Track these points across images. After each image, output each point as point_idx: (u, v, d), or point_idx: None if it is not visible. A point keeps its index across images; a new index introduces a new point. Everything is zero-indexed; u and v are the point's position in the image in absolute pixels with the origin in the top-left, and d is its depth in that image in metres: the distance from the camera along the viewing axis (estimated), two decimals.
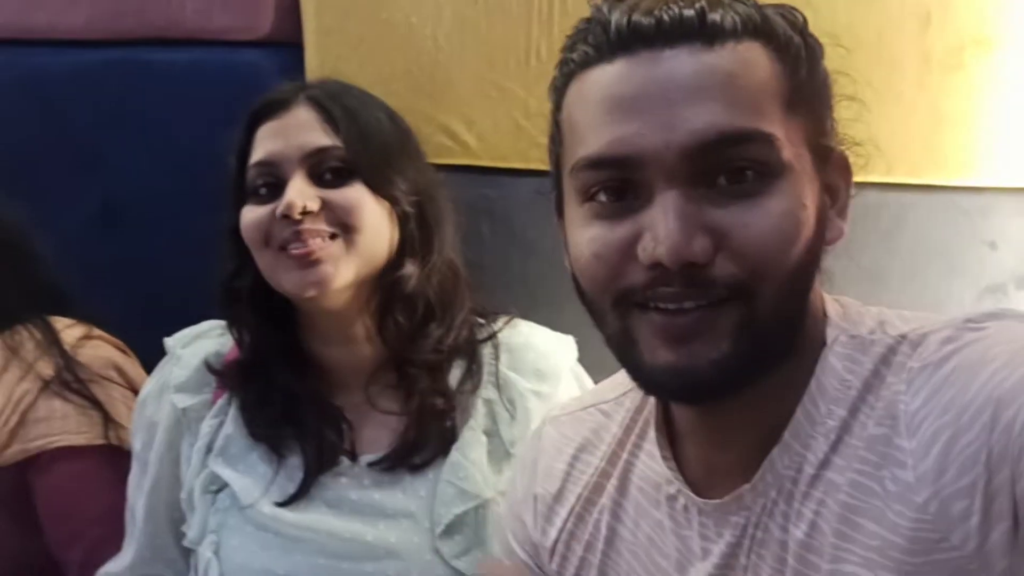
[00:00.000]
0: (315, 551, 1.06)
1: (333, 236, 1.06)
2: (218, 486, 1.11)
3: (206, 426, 1.13)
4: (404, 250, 1.11)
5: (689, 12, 0.70)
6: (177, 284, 1.80)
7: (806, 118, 0.73)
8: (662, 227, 0.68)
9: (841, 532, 0.72)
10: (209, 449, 1.13)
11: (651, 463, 0.85)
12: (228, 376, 1.15)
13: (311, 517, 1.08)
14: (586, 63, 0.73)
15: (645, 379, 0.75)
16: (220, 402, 1.15)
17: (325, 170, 1.07)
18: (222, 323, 1.20)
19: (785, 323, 0.73)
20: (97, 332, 1.37)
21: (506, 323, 1.20)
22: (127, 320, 1.59)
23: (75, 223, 1.80)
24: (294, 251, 1.05)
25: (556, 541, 0.91)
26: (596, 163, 0.72)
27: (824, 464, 0.73)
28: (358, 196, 1.07)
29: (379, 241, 1.09)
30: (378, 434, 1.13)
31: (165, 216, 1.76)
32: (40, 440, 1.26)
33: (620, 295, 0.73)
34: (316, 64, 1.64)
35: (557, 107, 0.78)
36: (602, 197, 0.73)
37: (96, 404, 1.28)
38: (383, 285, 1.11)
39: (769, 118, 0.70)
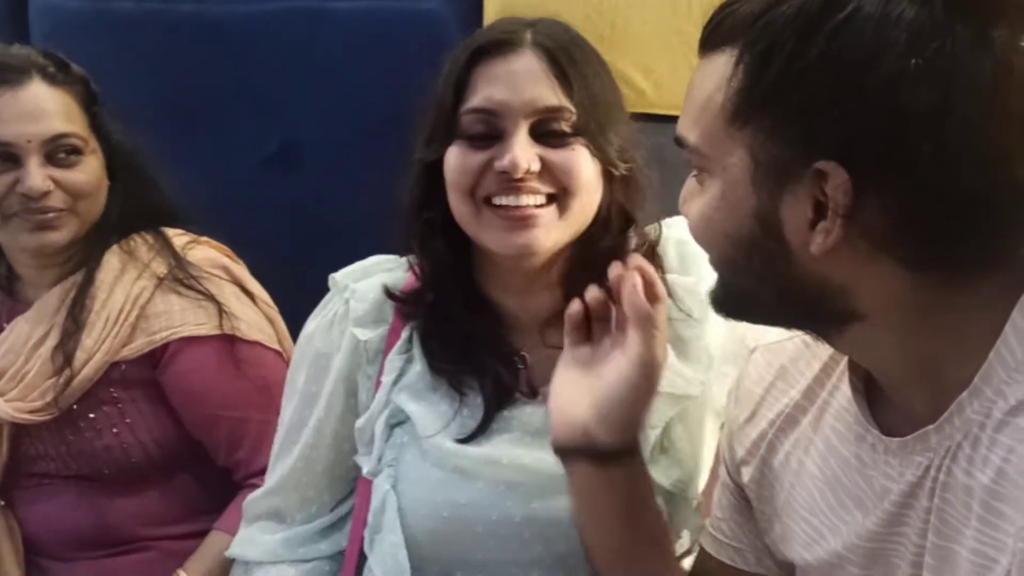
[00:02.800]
0: (499, 482, 1.05)
1: (549, 198, 1.02)
2: (398, 420, 1.10)
3: (395, 360, 1.11)
4: (610, 214, 1.07)
5: (717, 20, 0.75)
6: (350, 225, 1.86)
7: (763, 133, 0.72)
8: None
9: None
10: (395, 383, 1.11)
11: (845, 403, 0.85)
12: (410, 308, 1.13)
13: (493, 450, 1.06)
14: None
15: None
16: (403, 336, 1.12)
17: (550, 130, 1.02)
18: (389, 258, 1.19)
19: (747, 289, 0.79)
20: (204, 239, 1.47)
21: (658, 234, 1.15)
22: (300, 258, 1.64)
23: (253, 165, 1.85)
24: (506, 209, 1.01)
25: (745, 463, 0.93)
26: None
27: (1015, 411, 0.70)
28: (580, 159, 1.02)
29: (591, 205, 1.05)
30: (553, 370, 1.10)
31: (340, 160, 1.79)
32: (163, 332, 1.35)
33: None
34: (495, 11, 1.65)
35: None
36: None
37: (209, 297, 1.37)
38: (581, 244, 1.07)
39: (701, 126, 0.75)
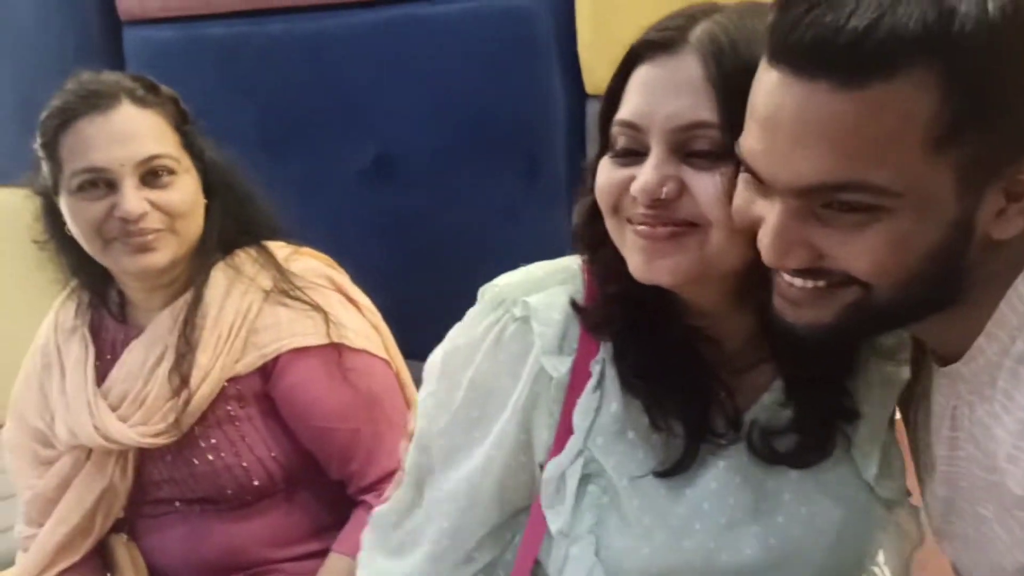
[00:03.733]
0: (708, 533, 0.96)
1: (688, 225, 0.89)
2: (590, 472, 0.97)
3: (590, 400, 0.97)
4: None
5: (842, 38, 0.67)
6: (449, 237, 1.84)
7: (973, 145, 0.69)
8: (767, 233, 0.76)
9: None
10: (590, 429, 0.97)
11: None
12: (602, 321, 0.98)
13: (698, 495, 0.96)
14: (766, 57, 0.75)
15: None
16: (596, 370, 0.98)
17: (693, 149, 0.87)
18: (557, 266, 1.03)
19: (904, 309, 0.78)
20: (306, 249, 1.46)
21: None
22: (398, 272, 1.62)
23: (349, 178, 1.85)
24: (640, 231, 0.90)
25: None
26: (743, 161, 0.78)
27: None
28: (721, 188, 0.86)
29: (737, 244, 0.88)
30: (748, 395, 0.99)
31: (438, 169, 1.78)
32: (273, 344, 1.35)
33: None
34: (588, 8, 1.61)
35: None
36: (747, 176, 0.80)
37: (316, 307, 1.36)
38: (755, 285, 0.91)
39: (889, 164, 0.69)
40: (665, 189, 0.86)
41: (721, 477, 0.96)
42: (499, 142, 1.74)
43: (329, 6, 1.87)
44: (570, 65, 1.66)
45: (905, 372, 0.98)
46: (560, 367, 0.96)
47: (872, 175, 0.69)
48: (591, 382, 0.97)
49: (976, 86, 0.67)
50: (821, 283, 0.77)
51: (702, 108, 0.85)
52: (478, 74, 1.72)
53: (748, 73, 0.81)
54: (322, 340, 1.35)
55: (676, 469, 0.95)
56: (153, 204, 1.28)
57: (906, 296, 0.75)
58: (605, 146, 0.93)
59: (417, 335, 1.51)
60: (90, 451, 1.35)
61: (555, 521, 0.97)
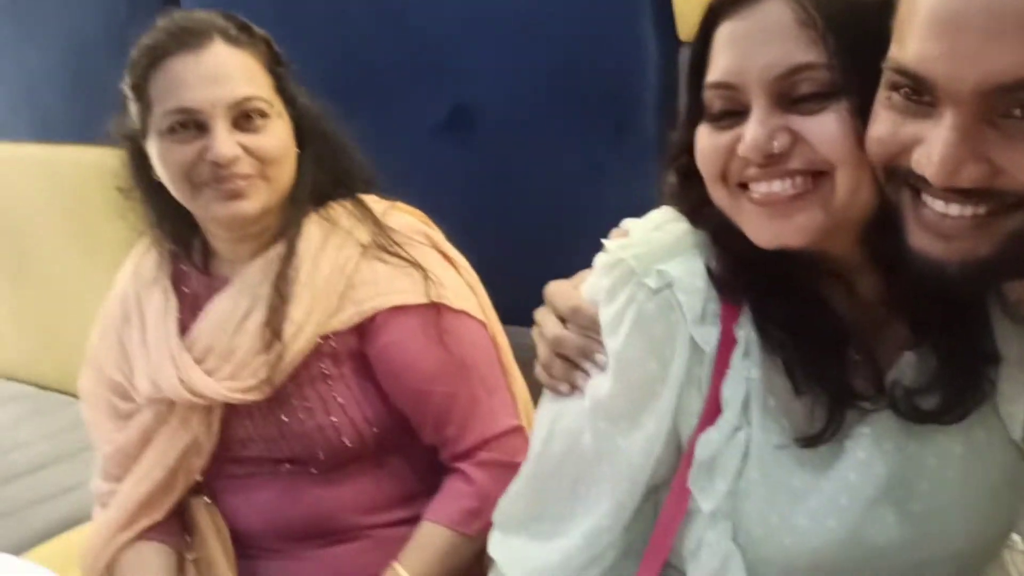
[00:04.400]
0: (858, 508, 0.90)
1: (807, 176, 0.84)
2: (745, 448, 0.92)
3: (741, 368, 0.92)
4: None
5: None
6: (531, 196, 1.77)
7: None
8: (936, 149, 0.71)
9: None
10: (745, 400, 0.92)
11: None
12: (742, 281, 0.93)
13: (849, 464, 0.91)
14: None
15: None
16: (741, 336, 0.92)
17: (799, 95, 0.83)
18: (681, 225, 0.96)
19: None
20: (400, 204, 1.41)
21: None
22: (476, 231, 1.56)
23: (423, 131, 1.78)
24: (760, 194, 0.86)
25: None
26: (903, 73, 0.73)
27: None
28: (837, 127, 0.83)
29: (866, 174, 0.84)
30: (887, 357, 0.93)
31: (519, 123, 1.69)
32: (371, 301, 1.29)
33: (891, 171, 0.77)
34: None
35: None
36: (897, 96, 0.75)
37: (415, 264, 1.31)
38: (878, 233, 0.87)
39: None
40: (776, 142, 0.83)
41: (868, 446, 0.91)
42: (585, 94, 1.65)
43: None
44: (662, 8, 1.57)
45: None
46: (710, 339, 0.91)
47: None
48: (738, 349, 0.91)
49: None
50: (982, 209, 0.72)
51: (799, 51, 0.82)
52: (561, 20, 1.63)
53: (834, 6, 0.81)
54: (421, 299, 1.29)
55: (821, 438, 0.89)
56: (245, 148, 1.23)
57: None
58: (698, 113, 0.89)
59: (499, 299, 1.47)
60: (173, 405, 1.30)
61: (708, 500, 0.91)
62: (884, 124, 0.77)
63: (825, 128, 0.82)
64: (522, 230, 1.79)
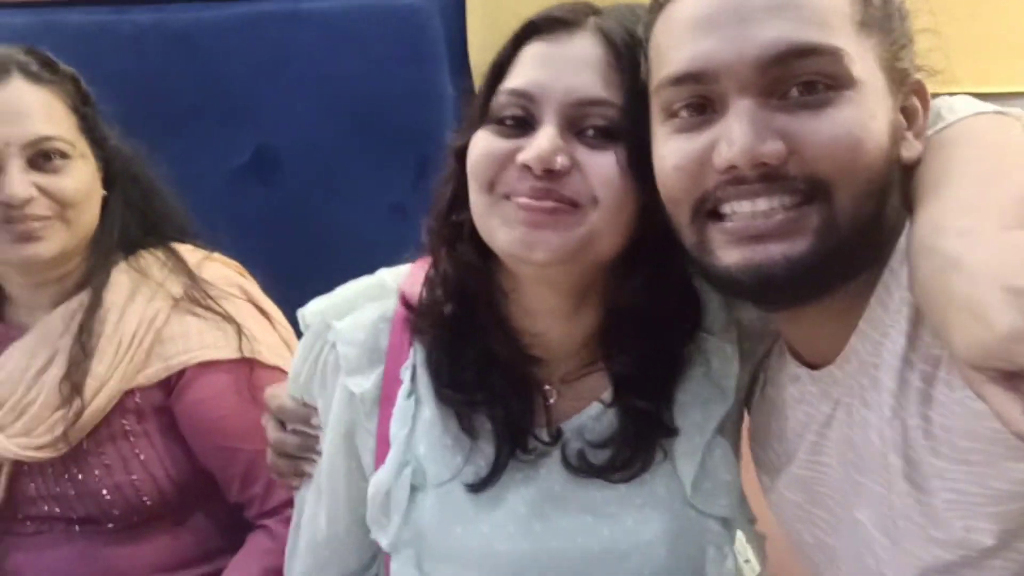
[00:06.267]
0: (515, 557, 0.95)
1: (572, 203, 0.88)
2: (417, 482, 0.96)
3: (405, 407, 0.96)
4: (653, 228, 0.90)
5: None
6: (336, 237, 1.79)
7: (879, 40, 0.78)
8: (736, 131, 0.75)
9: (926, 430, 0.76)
10: (410, 435, 0.96)
11: (782, 348, 0.94)
12: (426, 321, 0.98)
13: (504, 521, 0.95)
14: None
15: (720, 280, 0.81)
16: (406, 377, 0.97)
17: (588, 126, 0.87)
18: (371, 283, 1.03)
19: (863, 229, 0.77)
20: (216, 255, 1.38)
21: None
22: (279, 273, 1.58)
23: (227, 174, 1.78)
24: (523, 204, 0.87)
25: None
26: (676, 79, 0.79)
27: (903, 357, 0.77)
28: (613, 167, 0.87)
29: (618, 223, 0.89)
30: (575, 404, 0.99)
31: (319, 166, 1.73)
32: (181, 356, 1.26)
33: (697, 203, 0.79)
34: (479, 5, 1.62)
35: (647, 41, 0.85)
36: (683, 113, 0.80)
37: (228, 319, 1.29)
38: (622, 265, 0.93)
39: (838, 35, 0.75)
40: (560, 159, 0.86)
41: (533, 494, 0.96)
42: (388, 140, 1.70)
43: None
44: (460, 65, 1.66)
45: (729, 395, 0.98)
46: (364, 383, 0.97)
47: (831, 39, 0.75)
48: (403, 388, 0.97)
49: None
50: (787, 200, 0.76)
51: (601, 87, 0.87)
52: (365, 71, 1.68)
53: (636, 55, 0.87)
54: (233, 354, 1.27)
55: (488, 482, 0.95)
56: (41, 189, 1.18)
57: (861, 213, 0.76)
58: (482, 118, 0.92)
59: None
60: None
61: (384, 537, 0.97)
62: (675, 151, 0.80)
63: (603, 164, 0.87)
64: (326, 270, 1.79)
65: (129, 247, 1.30)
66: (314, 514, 1.04)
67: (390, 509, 0.96)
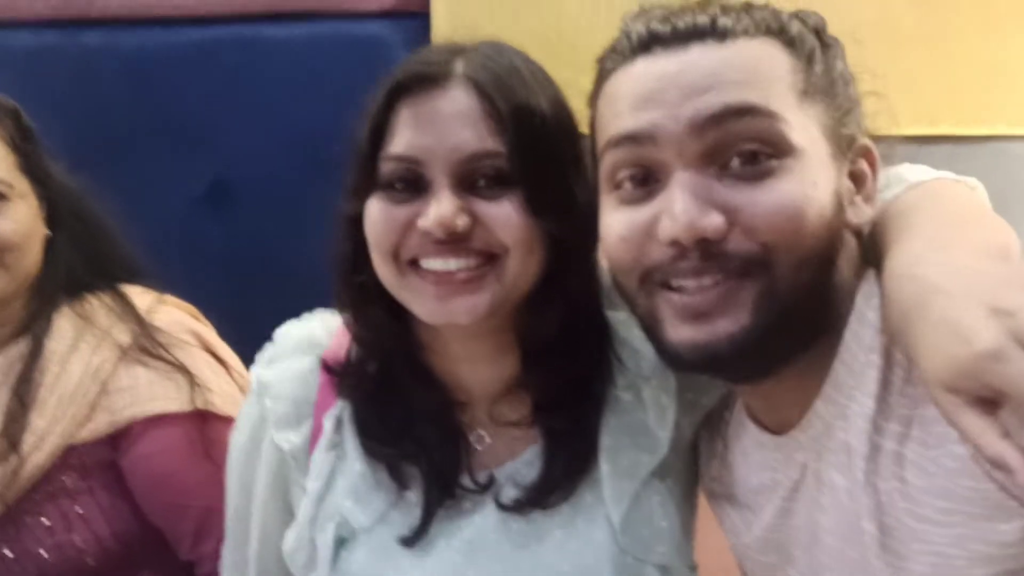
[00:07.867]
0: None
1: (485, 259, 0.89)
2: (345, 534, 0.96)
3: (324, 460, 0.97)
4: (567, 266, 0.92)
5: (702, 18, 0.78)
6: (297, 270, 1.74)
7: (824, 108, 0.79)
8: (678, 205, 0.75)
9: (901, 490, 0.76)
10: (326, 489, 0.96)
11: (741, 414, 0.93)
12: (350, 380, 0.98)
13: (441, 563, 0.94)
14: (613, 68, 0.82)
15: (669, 356, 0.81)
16: (328, 427, 0.97)
17: (479, 178, 0.88)
18: (302, 334, 1.04)
19: (806, 299, 0.77)
20: (169, 298, 1.30)
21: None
22: (233, 309, 1.52)
23: (181, 206, 1.72)
24: (435, 275, 0.88)
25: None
26: (617, 141, 0.79)
27: (872, 420, 0.77)
28: (513, 213, 0.88)
29: (531, 264, 0.90)
30: (509, 449, 0.98)
31: (278, 198, 1.67)
32: (128, 409, 1.19)
33: (644, 274, 0.80)
34: (443, 33, 1.57)
35: (592, 111, 0.86)
36: (627, 185, 0.80)
37: (180, 368, 1.21)
38: (537, 303, 0.93)
39: (778, 102, 0.76)
40: (460, 221, 0.86)
41: (467, 539, 0.94)
42: (344, 169, 1.65)
43: (158, 20, 1.72)
44: None
45: (663, 445, 0.96)
46: (294, 438, 0.97)
47: (764, 100, 0.75)
48: (323, 440, 0.97)
49: (818, 69, 0.80)
50: (721, 277, 0.76)
51: (483, 138, 0.87)
52: (327, 102, 1.63)
53: (516, 102, 0.88)
54: (185, 406, 1.20)
55: (416, 537, 0.94)
56: None
57: (801, 283, 0.76)
58: (368, 186, 0.91)
59: None
60: None
61: None
62: (620, 222, 0.80)
63: (503, 213, 0.87)
64: (282, 303, 1.75)
65: (74, 290, 1.23)
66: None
67: (317, 563, 0.95)
